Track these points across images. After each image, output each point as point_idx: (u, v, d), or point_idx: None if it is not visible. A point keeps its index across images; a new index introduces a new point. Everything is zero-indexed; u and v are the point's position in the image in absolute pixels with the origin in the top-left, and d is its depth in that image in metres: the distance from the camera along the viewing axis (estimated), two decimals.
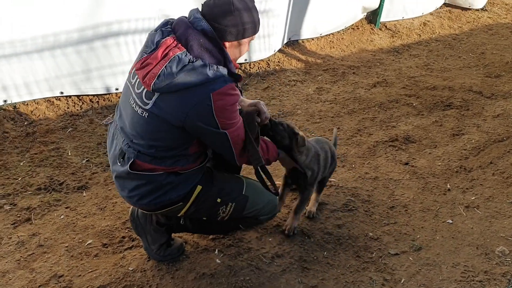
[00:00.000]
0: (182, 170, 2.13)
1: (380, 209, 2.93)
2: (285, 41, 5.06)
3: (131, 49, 3.79)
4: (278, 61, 4.88)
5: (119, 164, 2.13)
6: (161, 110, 1.96)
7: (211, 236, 2.68)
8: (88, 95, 3.82)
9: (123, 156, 2.11)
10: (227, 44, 2.04)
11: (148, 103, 1.98)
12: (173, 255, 2.53)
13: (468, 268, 2.48)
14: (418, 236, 2.70)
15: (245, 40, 2.10)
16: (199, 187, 2.18)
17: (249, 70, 4.69)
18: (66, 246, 2.59)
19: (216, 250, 2.60)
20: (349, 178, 3.22)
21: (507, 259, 2.52)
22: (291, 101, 4.28)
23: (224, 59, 2.00)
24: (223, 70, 1.96)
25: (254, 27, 2.07)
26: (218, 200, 2.25)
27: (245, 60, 4.66)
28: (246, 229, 2.70)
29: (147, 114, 1.99)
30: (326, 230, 2.74)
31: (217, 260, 2.54)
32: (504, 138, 3.71)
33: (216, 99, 1.93)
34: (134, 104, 2.03)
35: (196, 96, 1.91)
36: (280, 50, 4.98)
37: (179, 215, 2.27)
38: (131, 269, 2.46)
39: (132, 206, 2.51)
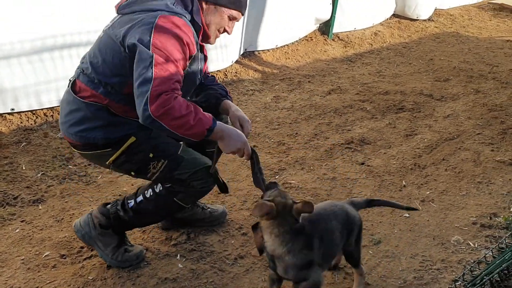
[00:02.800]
0: (114, 109, 2.15)
1: None
2: (242, 52, 5.13)
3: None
4: (236, 72, 4.93)
5: (66, 88, 2.28)
6: (113, 28, 2.10)
7: (172, 242, 2.65)
8: (42, 109, 3.73)
9: (70, 79, 2.27)
10: (204, 5, 2.17)
11: (109, 25, 2.17)
12: (131, 261, 2.46)
13: (426, 258, 2.55)
14: (377, 231, 2.76)
15: (224, 10, 2.19)
16: (132, 138, 2.16)
17: None
18: (22, 259, 2.49)
19: (178, 255, 2.57)
20: (308, 179, 3.27)
21: (462, 247, 2.61)
22: (249, 110, 4.32)
23: (192, 7, 2.13)
24: (185, 13, 2.10)
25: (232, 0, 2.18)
26: (151, 155, 2.18)
27: None
28: (183, 203, 2.36)
29: (102, 34, 2.17)
30: None
31: (179, 264, 2.51)
32: (455, 136, 3.87)
33: (161, 20, 2.00)
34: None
35: (145, 16, 2.03)
36: (237, 61, 5.03)
37: (107, 162, 2.22)
38: (91, 278, 2.39)
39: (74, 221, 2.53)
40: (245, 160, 2.25)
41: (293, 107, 4.39)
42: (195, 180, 2.26)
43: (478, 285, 2.26)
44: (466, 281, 2.32)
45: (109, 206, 2.44)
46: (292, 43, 5.65)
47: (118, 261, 2.43)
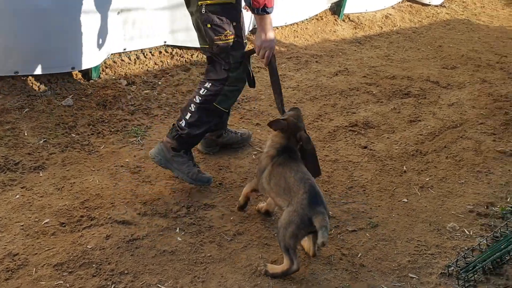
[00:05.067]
0: None
1: (339, 189, 3.01)
2: (251, 28, 5.08)
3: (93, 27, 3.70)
4: None
5: None
6: None
7: (172, 215, 2.68)
8: (45, 74, 3.72)
9: None
10: None
11: None
12: (203, 181, 2.85)
13: (421, 242, 2.58)
14: (375, 214, 2.79)
15: None
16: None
17: None
18: (22, 225, 2.53)
19: (177, 228, 2.61)
20: None
21: (457, 234, 2.64)
22: (255, 87, 4.29)
23: None
24: None
25: None
26: (234, 23, 2.63)
27: None
28: (222, 108, 2.81)
29: None
30: None
31: (178, 238, 2.54)
32: (458, 125, 3.86)
33: None
34: None
35: None
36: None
37: (199, 2, 2.57)
38: (90, 247, 2.43)
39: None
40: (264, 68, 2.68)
41: (298, 87, 4.38)
42: (233, 71, 2.70)
43: (470, 271, 2.30)
44: (459, 267, 2.35)
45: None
46: (302, 21, 5.59)
47: (193, 179, 2.83)
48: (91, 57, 3.76)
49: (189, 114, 2.78)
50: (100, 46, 3.78)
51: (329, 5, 5.85)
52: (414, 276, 2.35)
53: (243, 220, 2.71)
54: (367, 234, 2.63)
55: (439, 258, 2.46)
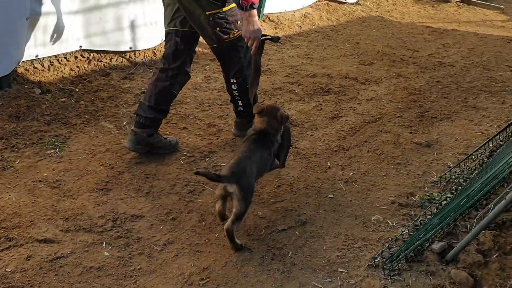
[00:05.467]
0: None
1: (267, 189, 3.04)
2: None
3: None
4: None
5: None
6: None
7: (97, 229, 2.58)
8: None
9: None
10: None
11: None
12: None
13: (348, 237, 2.67)
14: (303, 212, 2.85)
15: None
16: (234, 4, 2.97)
17: (135, 59, 4.57)
18: None
19: (104, 243, 2.51)
20: None
21: (381, 226, 2.76)
22: (180, 91, 4.23)
23: None
24: None
25: None
26: (239, 22, 3.05)
27: (130, 48, 4.53)
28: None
29: None
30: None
31: (105, 253, 2.45)
32: (377, 119, 4.04)
33: None
34: None
35: None
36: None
37: (208, 12, 2.96)
38: (9, 270, 2.28)
39: None
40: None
41: (224, 88, 4.34)
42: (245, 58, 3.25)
43: (395, 261, 2.41)
44: (384, 257, 2.46)
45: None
46: None
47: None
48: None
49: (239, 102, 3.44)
50: (8, 54, 3.54)
51: None
52: (343, 270, 2.43)
53: (173, 228, 2.66)
54: (296, 232, 2.68)
55: (366, 250, 2.56)
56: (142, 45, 4.60)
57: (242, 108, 3.47)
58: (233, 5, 2.96)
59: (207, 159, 3.32)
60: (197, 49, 4.99)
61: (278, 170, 3.11)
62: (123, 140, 3.33)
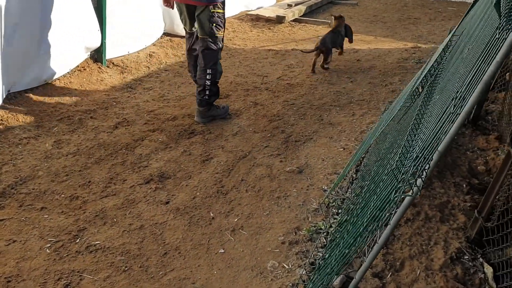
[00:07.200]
0: None
1: (154, 260, 2.79)
2: (5, 95, 4.43)
3: None
4: (1, 119, 4.23)
5: None
6: None
7: None
8: None
9: None
10: None
11: None
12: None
13: None
14: (197, 277, 2.67)
15: None
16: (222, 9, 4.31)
17: None
18: None
19: None
20: (114, 235, 2.98)
21: (279, 272, 2.70)
22: (27, 163, 3.75)
23: None
24: None
25: None
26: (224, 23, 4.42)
27: None
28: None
29: None
30: None
31: None
32: (247, 154, 4.03)
33: None
34: None
35: None
36: (1, 107, 4.32)
37: (211, 11, 4.20)
38: None
39: None
40: None
41: (79, 151, 3.98)
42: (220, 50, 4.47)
43: None
44: None
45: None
46: (63, 75, 5.14)
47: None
48: None
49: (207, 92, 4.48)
50: None
51: (89, 53, 5.52)
52: None
53: None
54: None
55: None
56: None
57: (207, 97, 4.42)
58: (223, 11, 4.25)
59: (78, 239, 2.95)
60: (38, 110, 4.54)
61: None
62: None
